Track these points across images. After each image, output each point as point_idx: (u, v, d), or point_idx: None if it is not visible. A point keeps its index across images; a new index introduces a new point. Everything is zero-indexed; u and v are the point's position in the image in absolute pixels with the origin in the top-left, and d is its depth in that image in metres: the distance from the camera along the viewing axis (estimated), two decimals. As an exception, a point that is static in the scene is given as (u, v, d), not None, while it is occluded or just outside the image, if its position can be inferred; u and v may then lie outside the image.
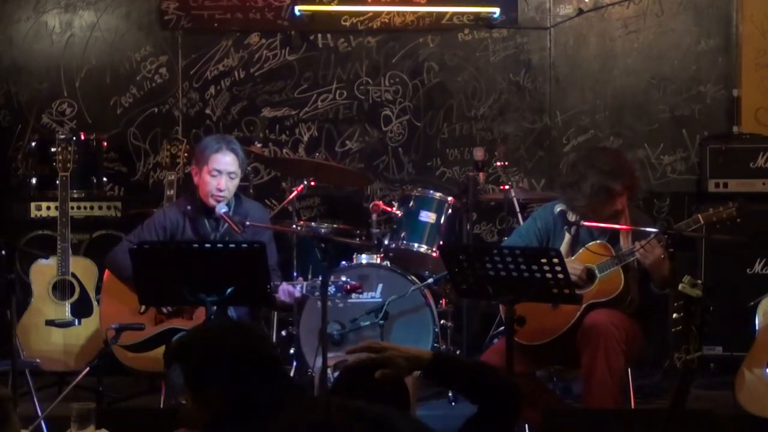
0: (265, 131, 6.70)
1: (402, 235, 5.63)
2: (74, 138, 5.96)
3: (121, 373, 5.40)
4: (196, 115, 6.72)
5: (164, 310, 4.84)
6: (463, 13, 6.64)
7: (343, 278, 4.71)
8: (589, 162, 4.65)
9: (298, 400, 2.57)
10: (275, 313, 5.63)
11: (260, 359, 2.62)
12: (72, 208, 5.79)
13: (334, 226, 5.84)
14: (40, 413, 4.69)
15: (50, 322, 5.63)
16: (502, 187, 5.90)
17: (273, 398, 2.56)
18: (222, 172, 4.81)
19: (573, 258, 4.62)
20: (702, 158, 6.35)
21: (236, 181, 4.88)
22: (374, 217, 5.76)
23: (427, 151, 6.71)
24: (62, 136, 5.85)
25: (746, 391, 4.82)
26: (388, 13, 6.66)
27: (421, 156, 6.71)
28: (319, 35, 6.71)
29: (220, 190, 4.80)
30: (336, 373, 2.92)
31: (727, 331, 5.57)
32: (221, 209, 4.81)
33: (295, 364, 5.47)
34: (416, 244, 5.60)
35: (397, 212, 5.69)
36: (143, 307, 4.71)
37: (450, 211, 5.68)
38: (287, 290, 4.63)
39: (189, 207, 4.92)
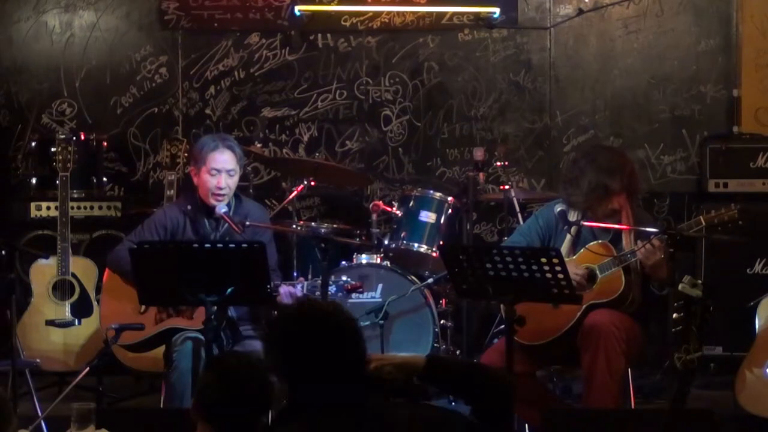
0: (265, 131, 6.70)
1: (402, 235, 5.63)
2: (74, 138, 5.96)
3: (121, 373, 5.41)
4: (196, 115, 6.71)
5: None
6: (463, 13, 6.63)
7: (344, 278, 4.71)
8: (589, 159, 4.67)
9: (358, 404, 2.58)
10: (275, 312, 5.62)
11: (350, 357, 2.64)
12: (72, 208, 5.79)
13: (334, 226, 5.84)
14: (40, 413, 4.69)
15: (50, 322, 5.64)
16: (502, 187, 5.90)
17: (346, 398, 2.57)
18: (220, 170, 4.80)
19: (574, 258, 4.62)
20: (702, 158, 6.35)
21: (236, 179, 4.87)
22: (374, 217, 5.77)
23: (427, 151, 6.71)
24: (62, 136, 5.84)
25: (746, 391, 4.83)
26: (388, 13, 6.66)
27: (421, 156, 6.71)
28: (319, 35, 6.71)
29: (220, 188, 4.79)
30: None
31: (727, 331, 5.58)
32: (221, 209, 4.80)
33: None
34: (416, 244, 5.60)
35: (397, 212, 5.69)
36: (143, 307, 4.71)
37: (450, 211, 5.69)
38: (289, 291, 4.62)
39: (189, 207, 4.92)
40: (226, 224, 4.81)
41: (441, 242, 5.48)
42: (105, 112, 6.71)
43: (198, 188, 4.89)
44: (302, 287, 4.64)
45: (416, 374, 2.81)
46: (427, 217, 5.63)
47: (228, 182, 4.81)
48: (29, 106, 6.71)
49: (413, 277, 5.41)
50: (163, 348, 4.77)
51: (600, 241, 4.64)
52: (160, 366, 4.86)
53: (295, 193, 5.87)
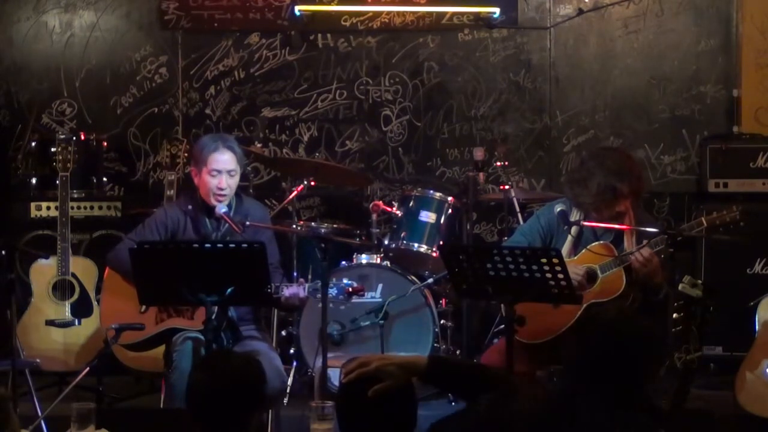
0: (265, 131, 6.70)
1: (402, 235, 5.63)
2: (74, 138, 5.96)
3: (121, 373, 5.41)
4: (196, 115, 6.71)
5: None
6: (463, 13, 6.63)
7: (346, 281, 4.68)
8: (598, 160, 4.65)
9: None
10: (275, 312, 5.62)
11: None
12: (72, 208, 5.79)
13: (334, 226, 5.84)
14: (40, 413, 4.69)
15: (50, 322, 5.63)
16: (502, 187, 5.90)
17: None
18: (221, 171, 4.80)
19: (575, 258, 4.62)
20: (702, 158, 6.35)
21: (236, 179, 4.87)
22: (374, 217, 5.76)
23: (427, 151, 6.71)
24: (62, 136, 5.84)
25: (746, 391, 4.83)
26: (388, 13, 6.66)
27: (421, 156, 6.71)
28: (319, 35, 6.71)
29: (221, 189, 4.79)
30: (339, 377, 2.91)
31: (727, 331, 5.57)
32: (221, 209, 4.80)
33: (295, 364, 5.47)
34: (416, 244, 5.60)
35: (397, 212, 5.69)
36: (144, 307, 4.71)
37: (450, 211, 5.68)
38: (293, 291, 4.61)
39: (190, 206, 4.91)
40: (227, 224, 4.81)
41: (441, 242, 5.48)
42: (105, 112, 6.72)
43: (199, 188, 4.89)
44: (305, 289, 4.63)
45: (418, 374, 2.81)
46: (427, 217, 5.63)
47: (229, 182, 4.81)
48: (29, 106, 6.71)
49: (413, 277, 5.41)
50: (163, 348, 4.77)
51: (601, 242, 4.64)
52: (160, 366, 4.86)
53: (295, 193, 5.87)
